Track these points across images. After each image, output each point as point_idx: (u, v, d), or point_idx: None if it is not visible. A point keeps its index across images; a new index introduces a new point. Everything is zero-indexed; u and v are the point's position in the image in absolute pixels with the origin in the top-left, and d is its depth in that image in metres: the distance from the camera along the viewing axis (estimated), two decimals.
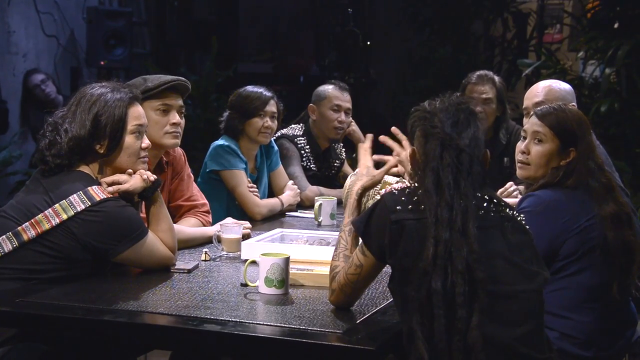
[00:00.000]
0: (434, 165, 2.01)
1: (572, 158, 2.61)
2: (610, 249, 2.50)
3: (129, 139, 2.59)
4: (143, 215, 2.70)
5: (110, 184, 2.55)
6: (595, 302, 2.51)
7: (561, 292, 2.49)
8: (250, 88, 3.86)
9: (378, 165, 2.46)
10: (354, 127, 4.36)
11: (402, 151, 2.42)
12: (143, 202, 2.70)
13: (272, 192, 4.00)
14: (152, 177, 2.64)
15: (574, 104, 3.49)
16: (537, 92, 3.49)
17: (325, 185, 4.21)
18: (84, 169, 2.57)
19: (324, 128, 4.23)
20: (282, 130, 4.27)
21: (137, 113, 2.62)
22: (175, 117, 3.08)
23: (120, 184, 2.57)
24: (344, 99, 4.26)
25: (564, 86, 3.54)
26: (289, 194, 3.94)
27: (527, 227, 2.10)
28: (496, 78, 4.27)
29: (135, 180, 2.60)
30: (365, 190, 2.37)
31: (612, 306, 2.53)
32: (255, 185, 3.81)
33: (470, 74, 4.31)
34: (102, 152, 2.56)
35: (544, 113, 2.69)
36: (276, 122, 3.86)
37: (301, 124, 4.30)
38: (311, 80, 4.45)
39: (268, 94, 3.84)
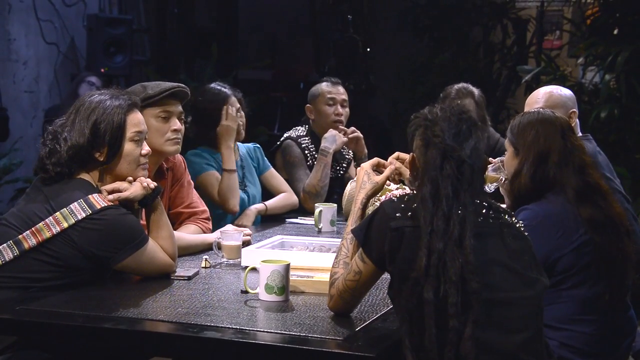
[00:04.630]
0: (433, 175, 2.00)
1: (519, 163, 2.57)
2: (602, 256, 2.47)
3: (128, 146, 2.59)
4: (143, 222, 2.70)
5: (110, 192, 2.56)
6: (592, 314, 2.48)
7: (558, 306, 2.46)
8: (206, 94, 3.77)
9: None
10: (359, 134, 4.30)
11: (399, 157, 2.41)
12: (143, 210, 2.70)
13: (269, 194, 4.00)
14: (152, 184, 2.64)
15: (574, 110, 3.48)
16: (537, 98, 3.48)
17: (332, 187, 4.19)
18: (85, 176, 2.57)
19: (323, 124, 4.23)
20: (286, 133, 4.28)
21: (137, 120, 2.62)
22: (176, 124, 3.09)
23: (121, 191, 2.57)
24: (338, 92, 4.26)
25: (565, 92, 3.53)
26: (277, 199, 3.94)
27: (526, 233, 2.10)
28: (475, 92, 4.13)
29: (135, 187, 2.60)
30: (369, 198, 2.37)
31: (609, 316, 2.50)
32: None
33: (449, 88, 4.18)
34: (101, 159, 2.56)
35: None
36: (243, 112, 3.81)
37: (304, 126, 4.31)
38: (311, 86, 4.44)
39: (225, 91, 3.77)
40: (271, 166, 4.05)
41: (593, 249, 2.47)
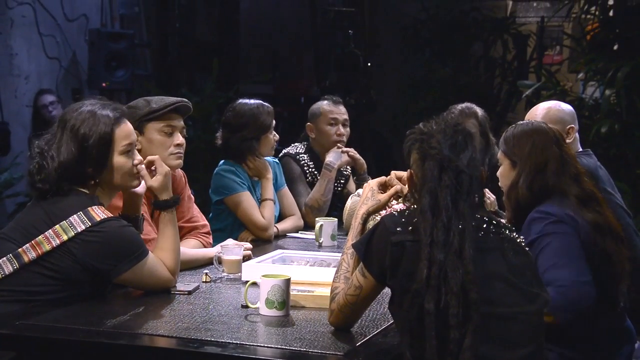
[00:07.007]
0: (431, 187, 2.01)
1: (516, 174, 2.58)
2: (604, 260, 2.48)
3: (119, 160, 2.56)
4: (143, 235, 2.70)
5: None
6: (590, 325, 2.47)
7: None
8: (248, 103, 3.80)
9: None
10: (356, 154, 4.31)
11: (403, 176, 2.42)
12: (144, 221, 2.70)
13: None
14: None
15: (572, 125, 3.46)
16: (536, 113, 3.48)
17: (331, 202, 4.18)
18: (82, 189, 2.54)
19: (324, 143, 4.24)
20: (284, 150, 4.29)
21: (126, 132, 2.58)
22: (179, 138, 3.09)
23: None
24: (339, 112, 4.27)
25: (564, 107, 3.51)
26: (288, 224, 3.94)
27: (527, 248, 2.10)
28: (479, 112, 4.00)
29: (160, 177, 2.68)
30: (370, 214, 2.37)
31: (607, 326, 2.51)
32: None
33: (453, 107, 4.04)
34: (92, 174, 2.54)
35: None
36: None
37: (303, 143, 4.32)
38: (312, 101, 4.45)
39: (269, 105, 3.82)
40: (286, 185, 4.04)
41: (597, 255, 2.49)
